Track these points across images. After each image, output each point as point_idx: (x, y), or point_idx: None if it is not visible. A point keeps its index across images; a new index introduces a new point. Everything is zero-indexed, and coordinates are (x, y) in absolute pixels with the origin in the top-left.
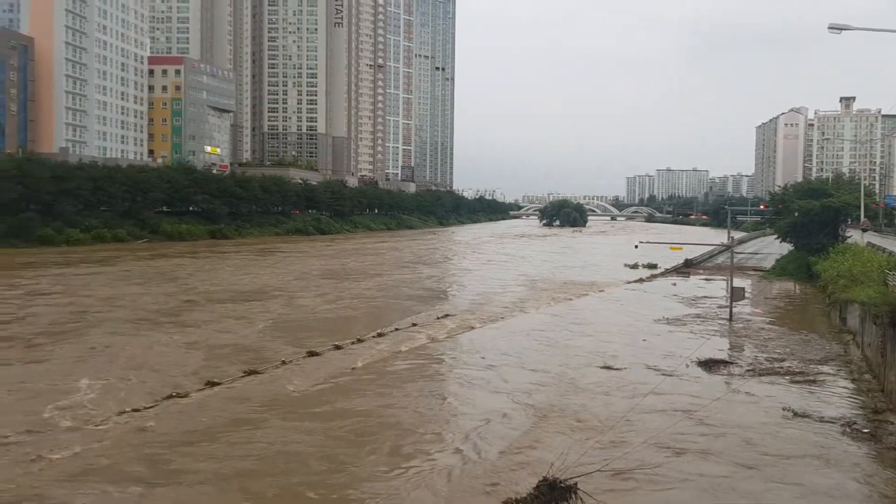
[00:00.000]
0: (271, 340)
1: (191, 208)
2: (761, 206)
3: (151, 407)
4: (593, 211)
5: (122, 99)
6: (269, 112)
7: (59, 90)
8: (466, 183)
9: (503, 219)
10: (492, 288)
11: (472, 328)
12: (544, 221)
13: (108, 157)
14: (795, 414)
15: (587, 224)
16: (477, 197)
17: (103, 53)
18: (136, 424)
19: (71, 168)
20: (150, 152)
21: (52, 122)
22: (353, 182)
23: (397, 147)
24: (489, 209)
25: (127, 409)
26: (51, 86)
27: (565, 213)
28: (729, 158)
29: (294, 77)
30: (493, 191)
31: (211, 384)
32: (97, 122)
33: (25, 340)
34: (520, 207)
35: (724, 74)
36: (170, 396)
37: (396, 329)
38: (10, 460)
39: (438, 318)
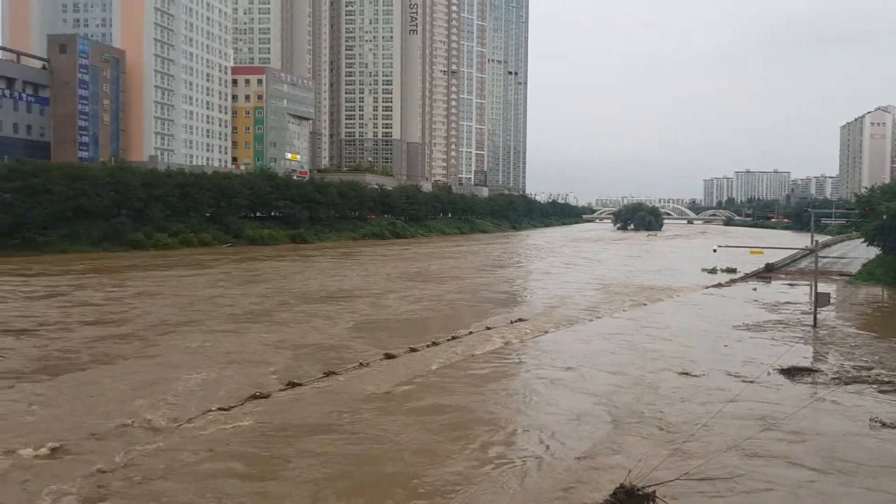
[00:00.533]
0: (351, 341)
1: (272, 213)
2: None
3: (236, 406)
4: (669, 214)
5: (208, 108)
6: (346, 119)
7: (148, 100)
8: (539, 187)
9: (576, 223)
10: (566, 291)
11: (546, 332)
12: (618, 225)
13: (195, 165)
14: (884, 424)
15: (662, 228)
16: (549, 201)
17: (190, 64)
18: (223, 422)
19: (160, 175)
20: (234, 159)
21: (142, 132)
22: (427, 187)
23: (470, 152)
24: (562, 213)
25: (213, 409)
26: (141, 96)
27: (640, 217)
28: (811, 160)
29: (370, 84)
30: (566, 195)
31: (292, 384)
32: (184, 131)
33: (133, 338)
34: (593, 211)
35: (805, 73)
36: (253, 396)
37: (470, 332)
38: (102, 454)
39: (512, 321)
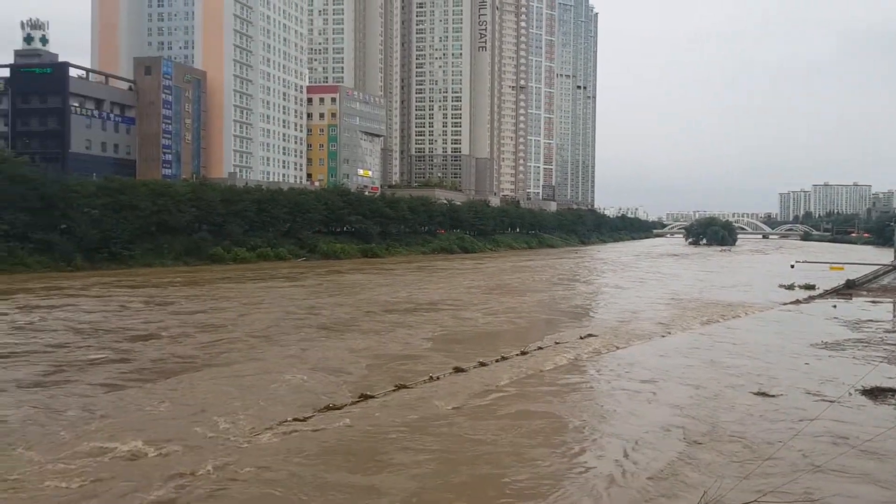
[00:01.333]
0: (427, 352)
1: (345, 228)
2: None
3: (311, 417)
4: (743, 229)
5: (284, 126)
6: (416, 135)
7: (228, 119)
8: (608, 201)
9: (646, 237)
10: (637, 306)
11: (617, 348)
12: (690, 240)
13: (271, 181)
14: None
15: (736, 243)
16: (619, 215)
17: (267, 84)
18: (299, 432)
19: (238, 191)
20: (309, 176)
21: (222, 149)
22: (495, 201)
23: (538, 166)
24: (632, 227)
25: (289, 419)
26: (221, 115)
27: (713, 232)
28: (894, 172)
29: (440, 101)
30: (636, 209)
31: (364, 397)
32: (261, 149)
33: (242, 343)
34: (664, 226)
35: (884, 82)
36: (327, 408)
37: (539, 348)
38: (181, 464)
39: (582, 337)
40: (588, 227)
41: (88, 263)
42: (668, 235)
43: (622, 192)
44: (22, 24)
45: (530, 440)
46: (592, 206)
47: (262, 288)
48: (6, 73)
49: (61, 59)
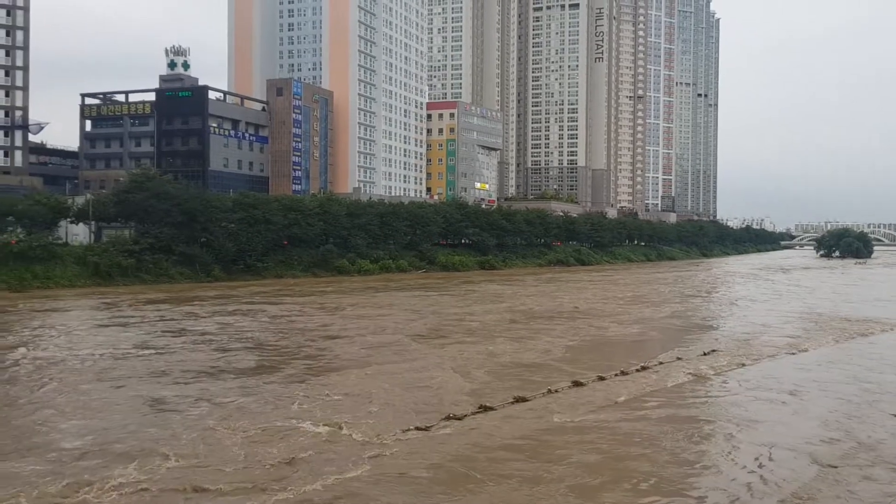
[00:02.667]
0: (554, 362)
1: (462, 240)
2: None
3: (433, 426)
4: (880, 240)
5: (405, 142)
6: (532, 148)
7: (353, 136)
8: (731, 212)
9: (773, 249)
10: (765, 321)
11: (743, 365)
12: (821, 252)
13: (393, 195)
14: None
15: (873, 255)
16: (743, 226)
17: (389, 102)
18: (424, 440)
19: (362, 205)
20: (428, 189)
21: (348, 165)
22: (612, 213)
23: (657, 177)
24: (757, 239)
25: (412, 428)
26: (346, 133)
27: (846, 243)
28: None
29: (556, 113)
30: (761, 220)
31: (484, 408)
32: (383, 164)
33: (396, 346)
34: (792, 237)
35: None
36: (448, 417)
37: (660, 363)
38: (314, 464)
39: (705, 353)
40: (710, 238)
41: (225, 274)
42: (797, 247)
43: (746, 203)
44: (166, 51)
45: (637, 459)
46: (714, 217)
47: (413, 297)
48: (152, 97)
49: (201, 83)
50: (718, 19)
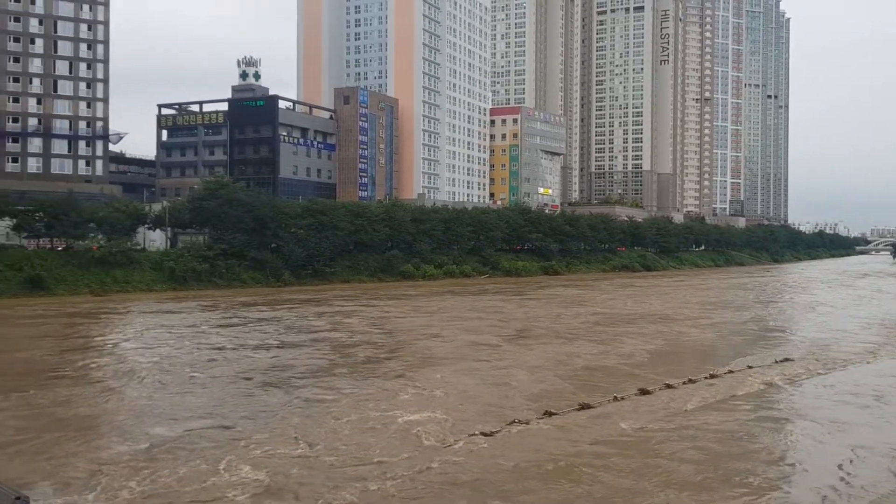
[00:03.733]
0: (623, 368)
1: (525, 246)
2: None
3: (498, 432)
4: None
5: (468, 148)
6: (596, 152)
7: (417, 143)
8: (803, 216)
9: (847, 255)
10: (841, 329)
11: (818, 374)
12: None
13: (456, 201)
14: None
15: None
16: (815, 231)
17: (453, 109)
18: (487, 445)
19: (426, 211)
20: (491, 195)
21: (412, 171)
22: (678, 218)
23: (725, 181)
24: (830, 244)
25: (476, 433)
26: (411, 139)
27: None
28: None
29: (620, 117)
30: (835, 224)
31: (548, 413)
32: (447, 170)
33: (486, 346)
34: (867, 242)
35: None
36: (513, 422)
37: (730, 371)
38: (385, 466)
39: (777, 361)
40: (781, 243)
41: (295, 279)
42: (873, 252)
43: (819, 207)
44: (238, 62)
45: (703, 467)
46: (785, 221)
47: (497, 300)
48: (225, 106)
49: (271, 92)
50: (788, 19)
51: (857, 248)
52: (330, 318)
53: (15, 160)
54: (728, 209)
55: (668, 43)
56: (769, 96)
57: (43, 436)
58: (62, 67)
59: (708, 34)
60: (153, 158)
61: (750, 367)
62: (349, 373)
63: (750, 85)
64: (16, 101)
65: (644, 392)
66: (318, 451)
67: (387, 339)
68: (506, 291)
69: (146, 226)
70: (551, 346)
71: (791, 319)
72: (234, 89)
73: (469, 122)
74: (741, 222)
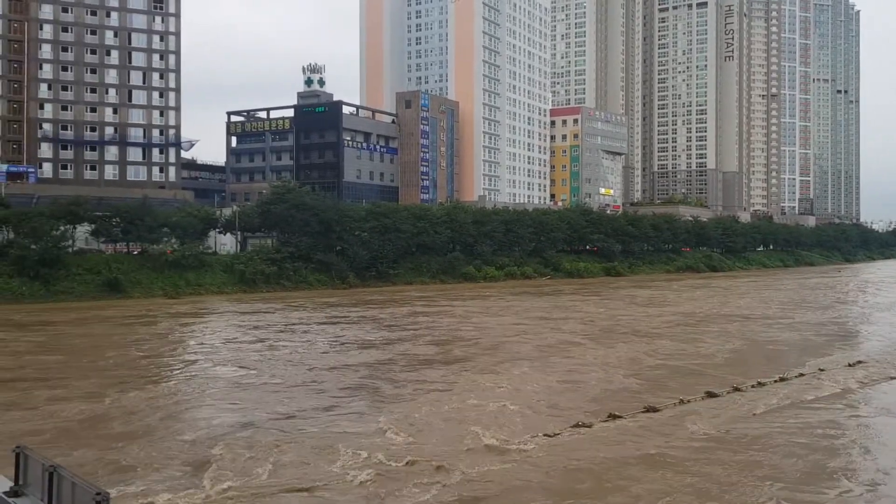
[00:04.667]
0: (698, 367)
1: (587, 247)
2: None
3: (560, 434)
4: None
5: (528, 149)
6: (658, 151)
7: (478, 145)
8: (876, 214)
9: None
10: None
11: (892, 378)
12: None
13: (517, 203)
14: None
15: None
16: (890, 230)
17: (513, 110)
18: (552, 447)
19: (487, 213)
20: (552, 196)
21: (473, 174)
22: (745, 217)
23: (793, 178)
24: None
25: (539, 435)
26: (472, 142)
27: None
28: None
29: (683, 115)
30: None
31: (613, 416)
32: (507, 172)
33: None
34: None
35: None
36: (577, 425)
37: (801, 374)
38: (448, 469)
39: (849, 364)
40: (853, 242)
41: (359, 281)
42: None
43: (894, 205)
44: (303, 69)
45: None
46: (857, 220)
47: (578, 300)
48: (291, 113)
49: (335, 98)
50: (858, 11)
51: None
52: (423, 316)
53: (93, 168)
54: (797, 208)
55: (732, 39)
56: (839, 91)
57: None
58: (136, 77)
59: (774, 29)
60: (223, 164)
61: (822, 370)
62: (444, 365)
63: (819, 80)
64: (93, 110)
65: (711, 395)
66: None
67: (481, 335)
68: (582, 291)
69: (217, 230)
70: (632, 344)
71: (867, 319)
72: (300, 96)
73: (529, 123)
74: (811, 221)
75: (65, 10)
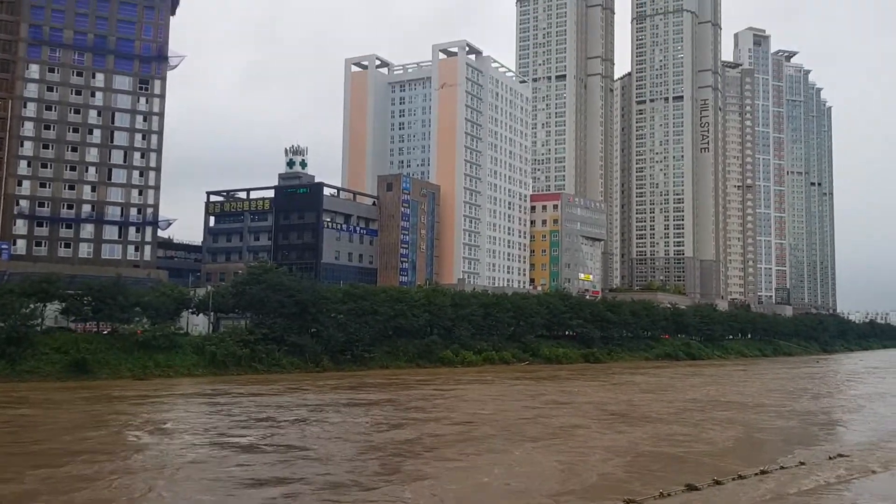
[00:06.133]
0: (684, 455)
1: (566, 332)
2: None
3: None
4: None
5: (508, 233)
6: (637, 238)
7: (458, 228)
8: (852, 305)
9: None
10: None
11: (874, 472)
12: None
13: (496, 286)
14: None
15: None
16: (866, 321)
17: (494, 195)
18: None
19: (466, 296)
20: (532, 280)
21: (453, 256)
22: (722, 305)
23: (770, 268)
24: (882, 335)
25: None
26: (452, 225)
27: None
28: None
29: (661, 203)
30: (886, 314)
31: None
32: (487, 255)
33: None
34: None
35: None
36: None
37: (782, 467)
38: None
39: (830, 457)
40: (830, 333)
41: (333, 364)
42: None
43: (869, 296)
44: (286, 151)
45: None
46: (834, 310)
47: (581, 385)
48: (271, 193)
49: (317, 179)
50: (830, 108)
51: None
52: (434, 400)
53: (67, 245)
54: (774, 297)
55: (707, 131)
56: (813, 183)
57: None
58: (117, 156)
59: (748, 122)
60: (200, 244)
61: (802, 464)
62: (466, 446)
63: (793, 172)
64: (71, 188)
65: (692, 488)
66: None
67: (498, 416)
68: (581, 378)
69: (190, 310)
70: (639, 428)
71: (845, 413)
72: (281, 177)
73: (510, 207)
74: (788, 310)
75: (50, 90)
